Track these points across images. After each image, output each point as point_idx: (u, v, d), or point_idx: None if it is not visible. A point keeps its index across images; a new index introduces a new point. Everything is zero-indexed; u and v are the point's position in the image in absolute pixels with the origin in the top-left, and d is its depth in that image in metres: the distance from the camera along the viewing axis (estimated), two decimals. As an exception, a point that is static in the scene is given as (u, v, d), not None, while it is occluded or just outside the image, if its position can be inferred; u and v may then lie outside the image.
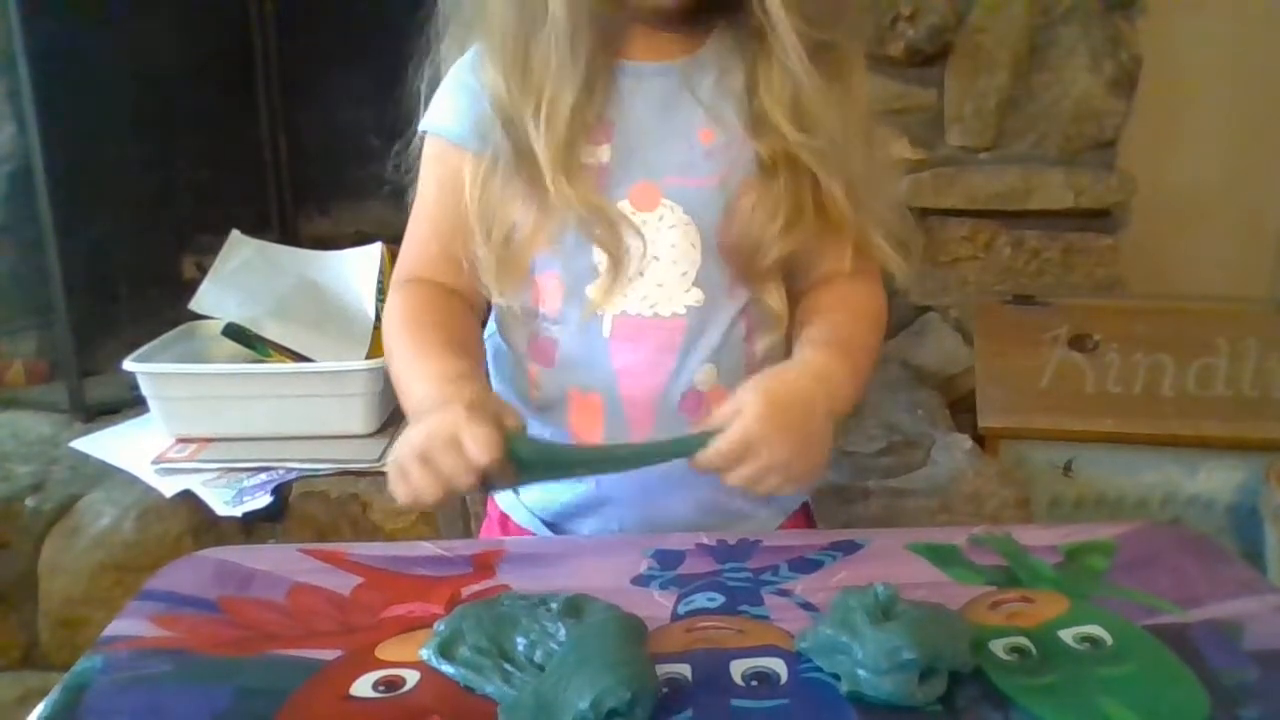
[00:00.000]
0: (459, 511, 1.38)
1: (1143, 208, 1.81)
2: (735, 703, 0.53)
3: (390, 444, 1.45)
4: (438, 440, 0.64)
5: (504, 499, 0.87)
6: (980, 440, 1.57)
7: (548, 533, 0.84)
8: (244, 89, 1.86)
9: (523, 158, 0.73)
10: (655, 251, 0.74)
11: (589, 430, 0.78)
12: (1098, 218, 1.79)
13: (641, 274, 0.75)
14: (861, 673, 0.53)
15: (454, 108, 0.78)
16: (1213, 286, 1.78)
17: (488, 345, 0.86)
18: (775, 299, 0.78)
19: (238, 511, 1.31)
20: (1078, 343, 1.67)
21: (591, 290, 0.75)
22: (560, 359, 0.78)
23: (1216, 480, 1.60)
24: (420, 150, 0.80)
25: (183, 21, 1.76)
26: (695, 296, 0.76)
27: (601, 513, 0.80)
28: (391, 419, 1.52)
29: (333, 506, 1.37)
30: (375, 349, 1.48)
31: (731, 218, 0.75)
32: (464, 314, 0.80)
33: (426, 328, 0.76)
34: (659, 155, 0.75)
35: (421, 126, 0.80)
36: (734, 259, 0.76)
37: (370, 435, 1.46)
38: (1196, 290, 1.78)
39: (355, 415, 1.45)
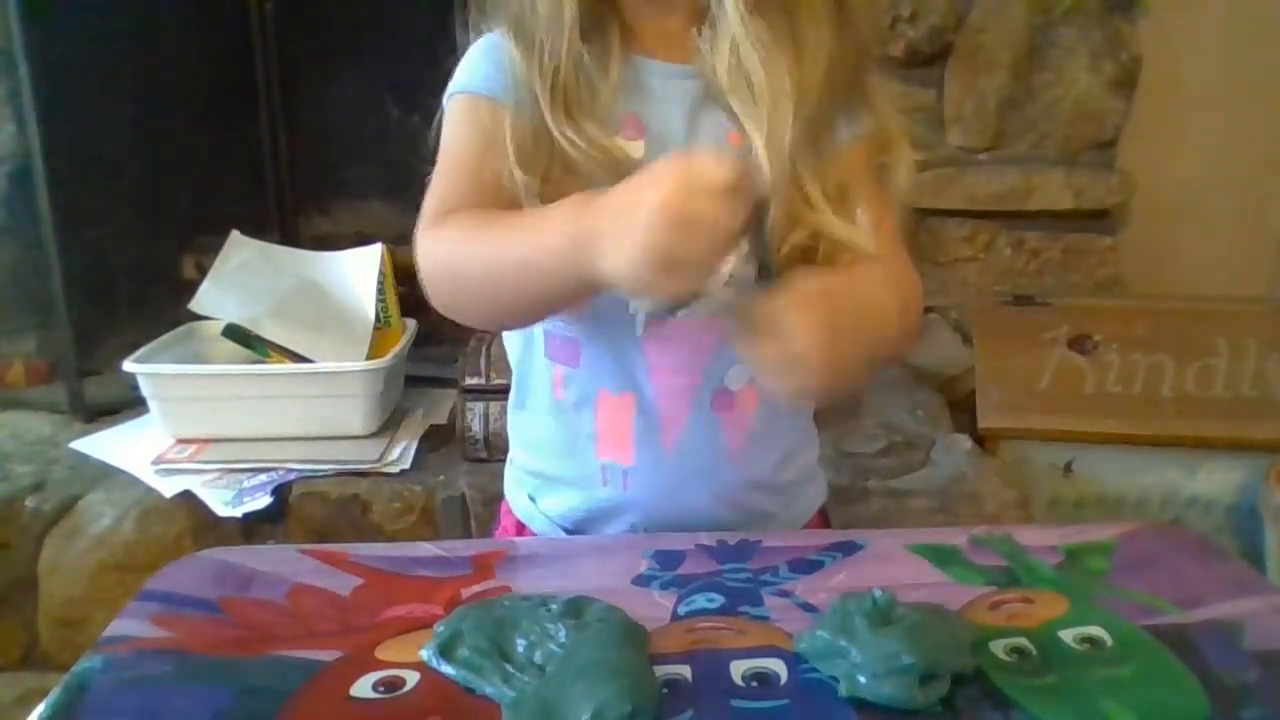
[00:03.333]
0: (459, 513, 1.38)
1: (1142, 208, 1.81)
2: (735, 703, 0.53)
3: (390, 444, 1.46)
4: (679, 192, 0.56)
5: (521, 507, 0.86)
6: (980, 441, 1.57)
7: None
8: (244, 89, 1.86)
9: (538, 122, 0.71)
10: None
11: (618, 429, 0.78)
12: (1097, 218, 1.79)
13: None
14: (861, 677, 0.53)
15: (490, 65, 0.76)
16: (1212, 287, 1.78)
17: (507, 343, 0.86)
18: None
19: (238, 512, 1.31)
20: (1077, 343, 1.67)
21: None
22: (587, 359, 0.78)
23: (1216, 481, 1.60)
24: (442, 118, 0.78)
25: (183, 21, 1.76)
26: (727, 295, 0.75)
27: (625, 516, 0.80)
28: (391, 419, 1.52)
29: (332, 507, 1.37)
30: (375, 349, 1.48)
31: (774, 181, 0.73)
32: None
33: (507, 214, 0.69)
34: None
35: (449, 91, 0.77)
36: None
37: (370, 436, 1.47)
38: (1196, 291, 1.78)
39: (355, 416, 1.45)
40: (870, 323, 0.67)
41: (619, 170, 0.71)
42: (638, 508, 0.79)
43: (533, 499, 0.85)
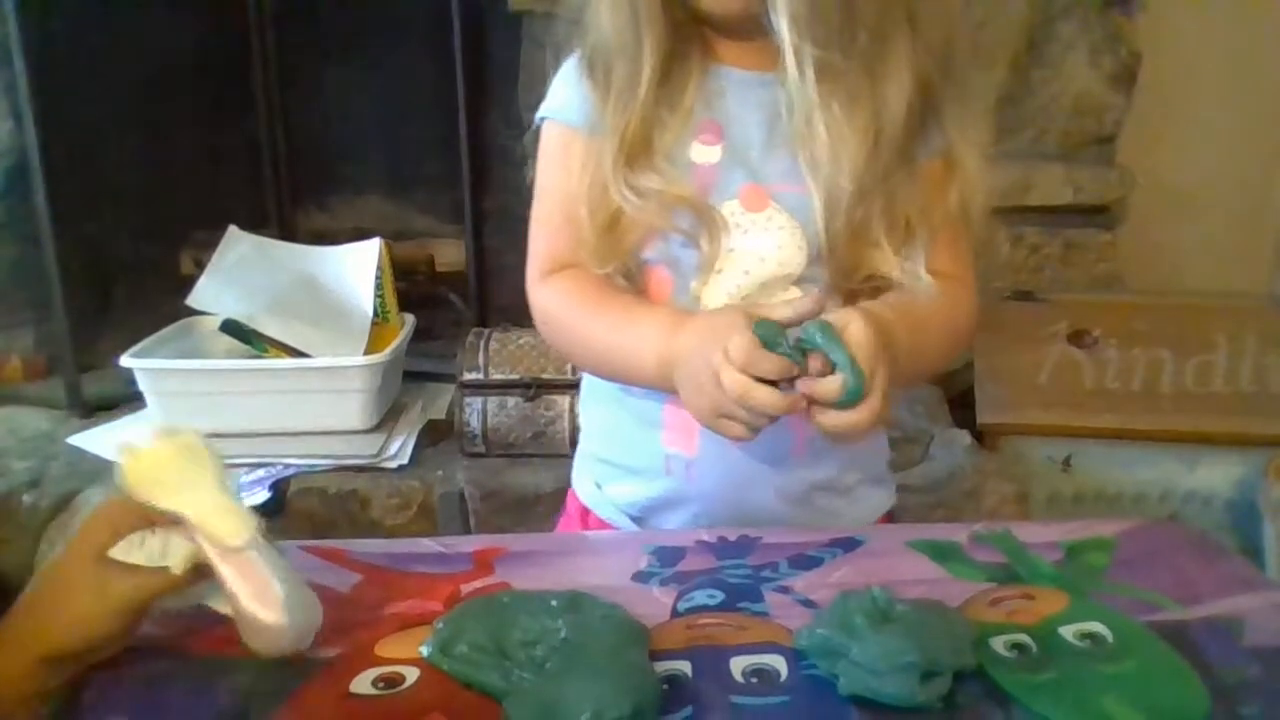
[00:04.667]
0: (457, 508, 1.38)
1: (1141, 203, 1.81)
2: (735, 699, 0.53)
3: (388, 439, 1.45)
4: (741, 381, 0.65)
5: (587, 494, 0.87)
6: (979, 436, 1.57)
7: (633, 527, 0.83)
8: (242, 84, 1.86)
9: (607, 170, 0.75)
10: (762, 252, 0.75)
11: (685, 419, 0.76)
12: (1097, 213, 1.79)
13: (747, 273, 0.76)
14: (862, 674, 0.53)
15: (576, 91, 0.78)
16: (1211, 282, 1.78)
17: None
18: None
19: (236, 507, 1.30)
20: (1076, 338, 1.67)
21: (696, 285, 0.77)
22: None
23: (1215, 476, 1.60)
24: (538, 136, 0.82)
25: (180, 16, 1.75)
26: (794, 296, 0.77)
27: (687, 507, 0.81)
28: (389, 415, 1.52)
29: (331, 502, 1.37)
30: (373, 345, 1.48)
31: (831, 231, 0.75)
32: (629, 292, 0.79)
33: (617, 295, 0.77)
34: (766, 162, 0.76)
35: (540, 113, 0.81)
36: (832, 271, 0.76)
37: (368, 431, 1.46)
38: (1195, 286, 1.78)
39: (353, 411, 1.45)
40: (915, 367, 0.75)
41: (688, 207, 0.74)
42: (700, 499, 0.80)
43: (599, 486, 0.86)
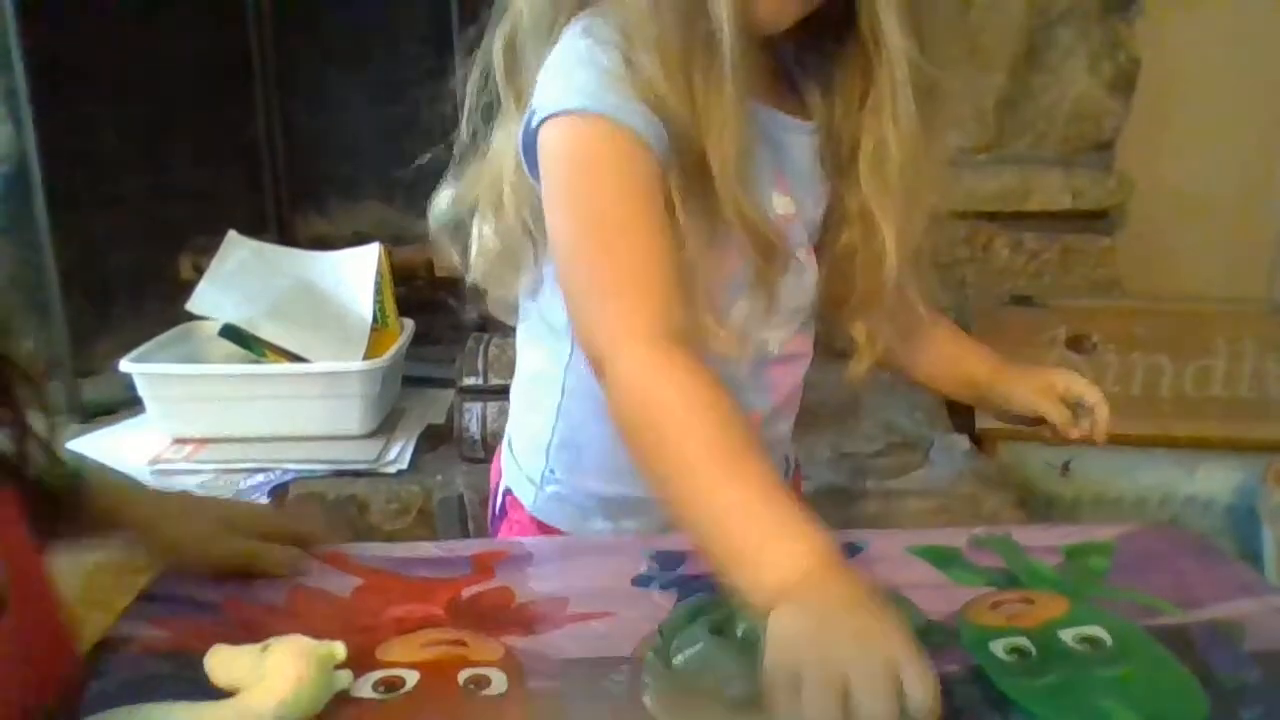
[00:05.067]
0: (456, 514, 1.37)
1: (1140, 209, 1.81)
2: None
3: (388, 444, 1.45)
4: (877, 677, 0.44)
5: (528, 493, 0.83)
6: (978, 441, 1.57)
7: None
8: (241, 88, 1.86)
9: (695, 178, 0.63)
10: (794, 292, 0.74)
11: None
12: (1095, 219, 1.79)
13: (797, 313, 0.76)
14: None
15: (615, 94, 0.61)
16: (1210, 287, 1.78)
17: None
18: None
19: (235, 512, 1.30)
20: (1075, 344, 1.67)
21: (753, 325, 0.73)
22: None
23: (1214, 481, 1.60)
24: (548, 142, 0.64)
25: (180, 21, 1.76)
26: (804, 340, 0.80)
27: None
28: (388, 420, 1.52)
29: (330, 507, 1.37)
30: (372, 350, 1.48)
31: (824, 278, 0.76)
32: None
33: (746, 445, 0.56)
34: (812, 212, 0.75)
35: (560, 105, 0.63)
36: (824, 314, 0.78)
37: (367, 436, 1.46)
38: (1194, 291, 1.78)
39: (352, 416, 1.45)
40: None
41: (766, 245, 0.67)
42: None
43: (610, 520, 0.80)
